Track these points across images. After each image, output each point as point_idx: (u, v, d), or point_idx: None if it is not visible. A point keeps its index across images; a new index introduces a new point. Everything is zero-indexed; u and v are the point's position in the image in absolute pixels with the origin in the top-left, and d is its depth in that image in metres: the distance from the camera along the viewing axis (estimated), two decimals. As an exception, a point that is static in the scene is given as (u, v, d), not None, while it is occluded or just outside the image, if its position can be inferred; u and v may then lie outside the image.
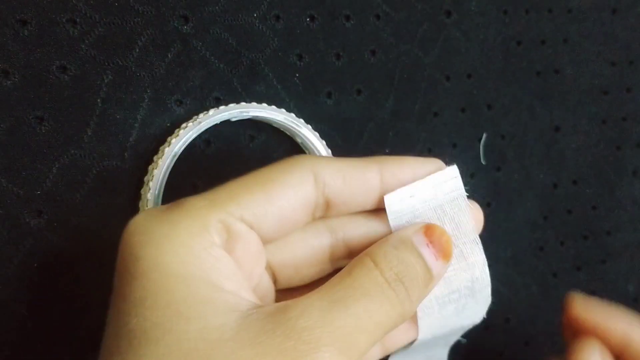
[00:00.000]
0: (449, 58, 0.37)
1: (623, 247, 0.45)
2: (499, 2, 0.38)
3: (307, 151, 0.33)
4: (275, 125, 0.32)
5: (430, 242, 0.23)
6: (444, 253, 0.23)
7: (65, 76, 0.28)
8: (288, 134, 0.32)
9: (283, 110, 0.31)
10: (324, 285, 0.22)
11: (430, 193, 0.24)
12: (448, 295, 0.25)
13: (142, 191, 0.29)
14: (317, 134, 0.32)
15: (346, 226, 0.25)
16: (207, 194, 0.22)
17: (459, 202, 0.25)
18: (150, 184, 0.29)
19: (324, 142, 0.32)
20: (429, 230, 0.24)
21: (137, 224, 0.21)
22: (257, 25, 0.32)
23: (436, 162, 0.25)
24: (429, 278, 0.23)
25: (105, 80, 0.29)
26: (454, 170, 0.25)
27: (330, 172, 0.23)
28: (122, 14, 0.29)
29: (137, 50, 0.29)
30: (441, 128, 0.37)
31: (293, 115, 0.32)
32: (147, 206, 0.29)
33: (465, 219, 0.25)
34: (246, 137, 0.32)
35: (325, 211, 0.24)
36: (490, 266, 0.26)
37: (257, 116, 0.31)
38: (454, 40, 0.37)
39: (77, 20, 0.28)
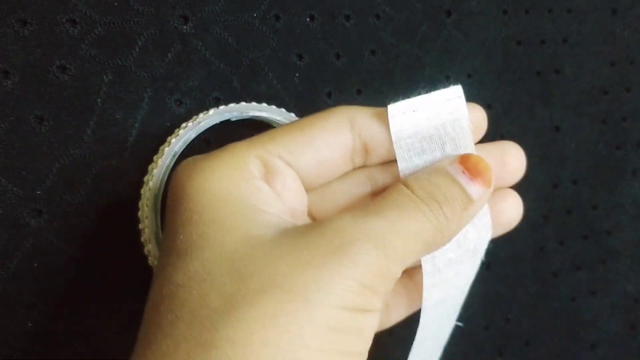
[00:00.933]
0: (449, 58, 0.37)
1: (623, 247, 0.45)
2: (499, 2, 0.38)
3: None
4: (275, 125, 0.32)
5: (466, 168, 0.24)
6: (482, 177, 0.24)
7: (65, 76, 0.28)
8: (288, 134, 0.32)
9: (283, 110, 0.31)
10: (358, 207, 0.23)
11: (434, 110, 0.24)
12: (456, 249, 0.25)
13: (142, 191, 0.29)
14: (317, 134, 0.32)
15: (386, 173, 0.25)
16: (249, 138, 0.24)
17: (461, 122, 0.24)
18: (150, 184, 0.29)
19: (324, 142, 0.32)
20: (463, 158, 0.24)
21: (184, 163, 0.23)
22: (257, 25, 0.32)
23: (448, 88, 0.25)
24: (467, 201, 0.23)
25: (105, 80, 0.29)
26: (457, 90, 0.24)
27: (366, 117, 0.24)
28: (122, 14, 0.29)
29: (137, 50, 0.29)
30: (441, 128, 0.37)
31: (293, 115, 0.32)
32: (147, 206, 0.29)
33: (466, 142, 0.25)
34: (246, 137, 0.32)
35: (364, 158, 0.25)
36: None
37: (257, 116, 0.31)
38: (454, 40, 0.37)
39: (77, 20, 0.28)
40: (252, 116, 0.31)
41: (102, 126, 0.29)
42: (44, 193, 0.28)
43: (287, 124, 0.24)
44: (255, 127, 0.32)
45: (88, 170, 0.29)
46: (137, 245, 0.30)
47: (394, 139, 0.24)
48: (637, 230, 0.45)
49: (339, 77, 0.34)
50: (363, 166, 0.25)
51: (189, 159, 0.23)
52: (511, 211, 0.27)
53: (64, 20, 0.28)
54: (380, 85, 0.35)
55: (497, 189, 0.26)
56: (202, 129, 0.30)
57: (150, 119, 0.30)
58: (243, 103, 0.31)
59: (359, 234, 0.21)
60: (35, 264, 0.28)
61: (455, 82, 0.37)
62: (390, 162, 0.25)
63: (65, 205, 0.28)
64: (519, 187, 0.27)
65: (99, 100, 0.29)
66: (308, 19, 0.33)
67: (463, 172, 0.23)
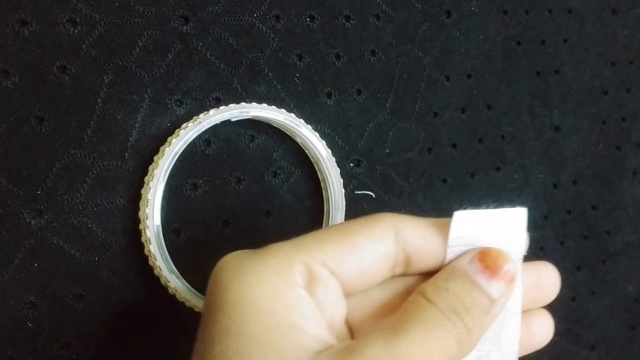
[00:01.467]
0: (449, 58, 0.37)
1: (623, 247, 0.45)
2: (499, 2, 0.38)
3: (307, 151, 0.33)
4: (275, 125, 0.32)
5: (486, 267, 0.23)
6: (502, 274, 0.23)
7: (65, 76, 0.28)
8: (288, 134, 0.32)
9: (283, 110, 0.31)
10: (383, 324, 0.22)
11: (494, 226, 0.24)
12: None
13: (142, 191, 0.29)
14: (317, 134, 0.32)
15: (423, 282, 0.25)
16: (293, 240, 0.23)
17: (516, 243, 0.24)
18: (151, 184, 0.29)
19: (324, 142, 0.32)
20: (483, 255, 0.24)
21: (227, 260, 0.23)
22: (257, 25, 0.32)
23: (515, 209, 0.25)
24: (489, 303, 0.23)
25: (105, 80, 0.29)
26: (522, 212, 0.24)
27: (412, 228, 0.24)
28: (122, 14, 0.29)
29: (137, 50, 0.29)
30: (441, 128, 0.37)
31: (293, 115, 0.32)
32: (147, 206, 0.29)
33: (518, 283, 0.24)
34: (246, 137, 0.32)
35: (405, 268, 0.25)
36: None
37: (257, 116, 0.31)
38: (454, 40, 0.37)
39: (77, 20, 0.28)
40: (252, 116, 0.31)
41: (102, 126, 0.29)
42: (44, 193, 0.28)
43: (332, 228, 0.24)
44: (255, 127, 0.32)
45: (88, 170, 0.29)
46: (137, 246, 0.30)
47: (449, 245, 0.24)
48: (637, 230, 0.45)
49: (339, 77, 0.34)
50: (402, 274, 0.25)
51: (234, 254, 0.23)
52: (543, 332, 0.27)
53: (64, 20, 0.28)
54: (380, 85, 0.35)
55: (530, 310, 0.26)
56: (202, 129, 0.30)
57: (151, 119, 0.30)
58: (243, 103, 0.31)
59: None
60: (35, 264, 0.28)
61: (455, 82, 0.37)
62: (429, 272, 0.25)
63: (65, 205, 0.28)
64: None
65: (99, 100, 0.29)
66: (308, 19, 0.33)
67: (482, 270, 0.23)
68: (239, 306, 0.21)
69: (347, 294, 0.24)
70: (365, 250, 0.23)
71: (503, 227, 0.24)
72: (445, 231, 0.24)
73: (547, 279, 0.26)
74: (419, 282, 0.25)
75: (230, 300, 0.21)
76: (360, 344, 0.21)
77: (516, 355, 0.25)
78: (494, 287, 0.23)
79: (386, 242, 0.24)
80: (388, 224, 0.24)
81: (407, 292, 0.25)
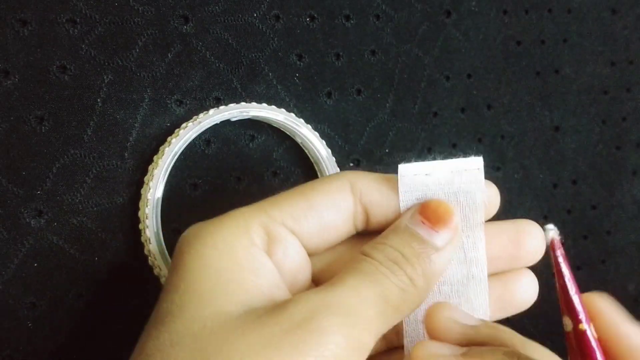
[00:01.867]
0: (449, 58, 0.37)
1: (623, 247, 0.45)
2: (499, 2, 0.38)
3: (307, 151, 0.33)
4: (275, 125, 0.32)
5: (426, 218, 0.23)
6: (443, 222, 0.23)
7: (65, 76, 0.28)
8: (288, 134, 0.32)
9: (283, 110, 0.31)
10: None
11: (448, 177, 0.24)
12: (438, 285, 0.24)
13: (142, 191, 0.29)
14: (317, 134, 0.32)
15: None
16: (253, 204, 0.24)
17: (475, 195, 0.24)
18: (150, 184, 0.29)
19: (324, 142, 0.32)
20: (423, 208, 0.24)
21: (190, 228, 0.24)
22: (257, 25, 0.32)
23: (469, 158, 0.25)
24: (431, 252, 0.23)
25: (105, 80, 0.29)
26: (477, 161, 0.24)
27: (367, 182, 0.24)
28: (122, 14, 0.29)
29: (137, 50, 0.29)
30: (441, 128, 0.37)
31: (293, 115, 0.32)
32: (147, 206, 0.29)
33: (476, 215, 0.24)
34: (246, 137, 0.32)
35: (365, 223, 0.25)
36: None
37: (257, 116, 0.31)
38: (454, 40, 0.37)
39: (77, 20, 0.28)
40: (252, 116, 0.31)
41: (102, 126, 0.29)
42: (44, 193, 0.28)
43: (291, 190, 0.24)
44: (255, 127, 0.32)
45: (88, 170, 0.29)
46: (137, 245, 0.30)
47: (401, 199, 0.24)
48: (637, 230, 0.45)
49: (339, 77, 0.34)
50: (365, 231, 0.25)
51: (198, 223, 0.24)
52: (525, 292, 0.26)
53: (64, 20, 0.28)
54: (380, 85, 0.35)
55: (512, 270, 0.26)
56: (202, 129, 0.30)
57: (150, 119, 0.30)
58: (243, 103, 0.31)
59: (321, 306, 0.20)
60: (35, 264, 0.28)
61: (455, 82, 0.37)
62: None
63: (65, 205, 0.28)
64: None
65: (99, 100, 0.29)
66: (308, 19, 0.33)
67: (422, 222, 0.23)
68: (191, 265, 0.22)
69: (312, 253, 0.24)
70: (322, 206, 0.24)
71: (458, 178, 0.24)
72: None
73: (527, 236, 0.25)
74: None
75: (186, 261, 0.22)
76: (295, 297, 0.21)
77: (486, 307, 0.25)
78: (437, 236, 0.23)
79: (342, 197, 0.24)
80: (344, 180, 0.24)
81: None
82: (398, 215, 0.24)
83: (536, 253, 0.26)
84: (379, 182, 0.25)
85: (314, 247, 0.24)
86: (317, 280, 0.25)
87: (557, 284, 0.24)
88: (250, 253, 0.22)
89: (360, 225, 0.25)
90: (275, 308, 0.21)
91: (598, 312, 0.24)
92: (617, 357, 0.24)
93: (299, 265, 0.24)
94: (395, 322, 0.23)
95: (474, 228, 0.24)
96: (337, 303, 0.21)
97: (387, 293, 0.22)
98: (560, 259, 0.24)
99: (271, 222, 0.23)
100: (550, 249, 0.25)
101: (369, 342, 0.21)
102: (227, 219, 0.23)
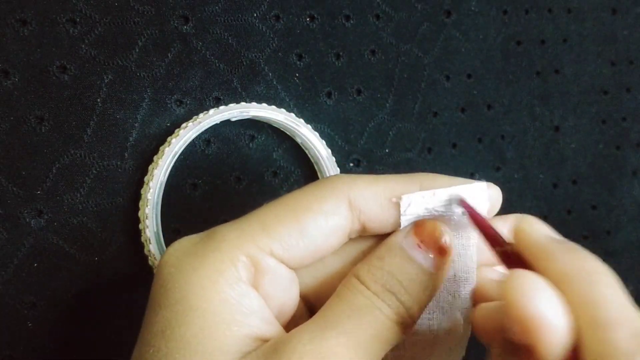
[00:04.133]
0: (449, 58, 0.37)
1: (623, 247, 0.45)
2: (499, 2, 0.38)
3: (307, 151, 0.33)
4: (275, 125, 0.32)
5: (422, 241, 0.22)
6: (439, 247, 0.22)
7: (65, 76, 0.28)
8: (288, 134, 0.32)
9: (283, 110, 0.31)
10: (317, 314, 0.22)
11: (448, 201, 0.23)
12: (413, 335, 0.24)
13: (142, 191, 0.29)
14: (317, 134, 0.32)
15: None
16: (239, 222, 0.22)
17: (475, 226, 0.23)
18: (150, 184, 0.29)
19: (324, 142, 0.32)
20: (418, 228, 0.23)
21: (170, 255, 0.22)
22: (257, 25, 0.32)
23: (473, 184, 0.24)
24: (427, 278, 0.22)
25: (105, 80, 0.29)
26: (481, 187, 0.23)
27: (366, 197, 0.23)
28: (122, 14, 0.29)
29: (137, 50, 0.29)
30: (441, 128, 0.37)
31: (293, 115, 0.32)
32: (147, 206, 0.29)
33: (470, 251, 0.23)
34: (246, 137, 0.32)
35: (360, 233, 0.24)
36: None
37: (257, 116, 0.31)
38: (454, 40, 0.37)
39: (77, 20, 0.28)
40: (252, 116, 0.31)
41: (102, 126, 0.29)
42: (44, 193, 0.28)
43: (280, 204, 0.22)
44: (255, 127, 0.32)
45: (88, 170, 0.29)
46: (137, 245, 0.30)
47: (402, 221, 0.23)
48: (637, 230, 0.45)
49: (339, 77, 0.34)
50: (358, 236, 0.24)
51: (175, 247, 0.22)
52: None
53: (64, 20, 0.28)
54: (380, 85, 0.35)
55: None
56: (202, 129, 0.30)
57: (150, 119, 0.30)
58: (243, 103, 0.31)
59: (315, 357, 0.19)
60: (35, 264, 0.28)
61: (455, 82, 0.37)
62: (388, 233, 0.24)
63: (65, 205, 0.28)
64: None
65: (99, 100, 0.29)
66: (308, 19, 0.33)
67: (419, 245, 0.22)
68: (176, 307, 0.21)
69: (302, 266, 0.23)
70: (316, 230, 0.22)
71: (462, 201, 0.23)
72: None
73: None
74: (377, 243, 0.24)
75: (170, 299, 0.21)
76: (287, 340, 0.20)
77: (468, 322, 0.24)
78: (432, 260, 0.22)
79: (339, 217, 0.22)
80: (340, 194, 0.22)
81: (364, 254, 0.24)
82: (394, 226, 0.23)
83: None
84: (380, 197, 0.23)
85: (303, 265, 0.23)
86: (306, 295, 0.24)
87: (476, 225, 0.23)
88: (236, 290, 0.21)
89: (354, 236, 0.24)
90: (265, 355, 0.20)
91: (522, 234, 0.22)
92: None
93: (287, 293, 0.23)
94: (389, 349, 0.22)
95: (466, 248, 0.24)
96: (331, 354, 0.20)
97: (383, 329, 0.21)
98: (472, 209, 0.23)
99: (259, 252, 0.22)
100: (462, 205, 0.24)
101: None
102: (210, 250, 0.21)
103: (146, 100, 0.30)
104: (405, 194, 0.23)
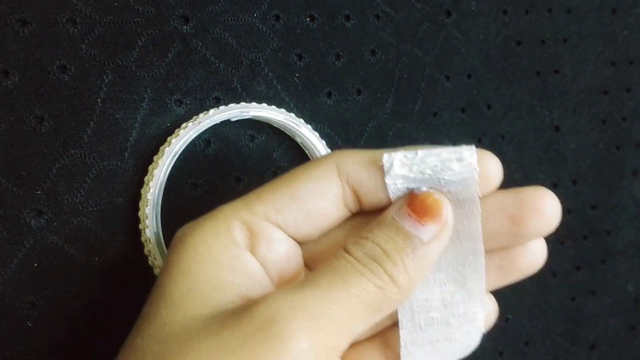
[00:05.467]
0: (449, 58, 0.37)
1: (623, 247, 0.45)
2: (499, 2, 0.38)
3: (307, 151, 0.33)
4: (275, 125, 0.32)
5: (413, 210, 0.22)
6: (430, 215, 0.22)
7: (65, 76, 0.28)
8: (288, 134, 0.32)
9: (283, 110, 0.31)
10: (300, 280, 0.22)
11: (438, 166, 0.22)
12: (434, 274, 0.23)
13: (142, 191, 0.29)
14: (317, 134, 0.32)
15: None
16: (238, 199, 0.23)
17: (468, 185, 0.22)
18: (151, 184, 0.29)
19: (324, 142, 0.32)
20: (410, 199, 0.22)
21: (177, 234, 0.23)
22: (257, 25, 0.32)
23: (460, 147, 0.23)
24: (417, 246, 0.22)
25: (105, 80, 0.29)
26: (470, 150, 0.22)
27: (354, 164, 0.23)
28: (122, 14, 0.29)
29: (137, 50, 0.29)
30: (441, 128, 0.37)
31: (293, 115, 0.32)
32: (147, 206, 0.29)
33: (471, 205, 0.23)
34: (246, 137, 0.32)
35: (357, 204, 0.24)
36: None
37: (257, 116, 0.31)
38: (454, 40, 0.37)
39: (77, 20, 0.28)
40: (252, 116, 0.31)
41: (102, 126, 0.29)
42: (44, 193, 0.28)
43: (275, 180, 0.23)
44: (255, 127, 0.32)
45: (88, 170, 0.29)
46: (137, 245, 0.30)
47: (389, 190, 0.23)
48: (637, 230, 0.45)
49: (339, 77, 0.34)
50: (361, 212, 0.24)
51: (188, 223, 0.23)
52: (532, 255, 0.24)
53: (64, 20, 0.28)
54: (380, 85, 0.35)
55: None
56: (202, 129, 0.30)
57: (150, 119, 0.30)
58: (243, 103, 0.31)
59: (286, 309, 0.19)
60: (35, 264, 0.28)
61: (455, 82, 0.37)
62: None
63: (65, 205, 0.28)
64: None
65: (99, 100, 0.29)
66: (308, 19, 0.33)
67: (409, 214, 0.22)
68: (171, 270, 0.22)
69: (304, 241, 0.24)
70: (307, 194, 0.23)
71: (450, 167, 0.22)
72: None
73: (531, 213, 0.23)
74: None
75: (168, 266, 0.22)
76: (262, 298, 0.20)
77: (483, 294, 0.24)
78: (423, 230, 0.22)
79: (328, 182, 0.23)
80: (330, 163, 0.23)
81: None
82: (389, 200, 0.23)
83: (545, 229, 0.24)
84: (367, 163, 0.23)
85: (304, 236, 0.23)
86: (313, 269, 0.24)
87: None
88: (230, 252, 0.22)
89: (354, 208, 0.24)
90: (242, 310, 0.20)
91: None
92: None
93: (286, 258, 0.23)
94: (377, 319, 0.22)
95: (470, 217, 0.23)
96: (302, 305, 0.20)
97: (363, 293, 0.21)
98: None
99: (253, 217, 0.22)
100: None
101: (340, 344, 0.21)
102: (208, 220, 0.23)
103: (146, 100, 0.30)
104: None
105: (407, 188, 0.23)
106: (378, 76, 0.35)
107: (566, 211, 0.43)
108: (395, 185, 0.23)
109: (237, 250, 0.22)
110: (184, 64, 0.30)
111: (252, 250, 0.22)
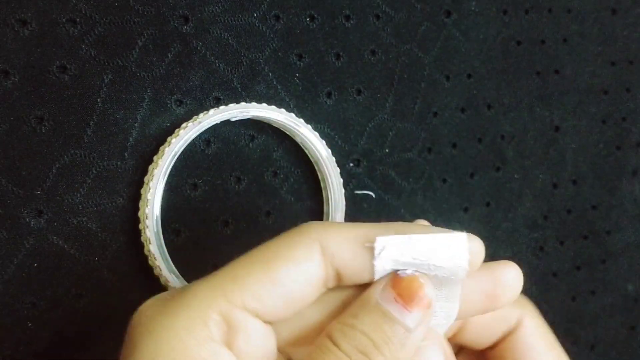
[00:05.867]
0: (449, 58, 0.37)
1: (623, 247, 0.45)
2: (499, 2, 0.38)
3: (307, 151, 0.33)
4: (275, 125, 0.32)
5: (399, 294, 0.21)
6: (416, 299, 0.21)
7: (65, 76, 0.28)
8: (288, 134, 0.32)
9: (283, 110, 0.31)
10: None
11: (427, 252, 0.22)
12: None
13: (142, 191, 0.29)
14: (317, 134, 0.32)
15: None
16: (211, 277, 0.22)
17: (455, 272, 0.22)
18: (150, 184, 0.29)
19: (324, 142, 0.32)
20: (395, 280, 0.22)
21: (141, 314, 0.22)
22: (257, 25, 0.32)
23: (453, 234, 0.22)
24: (404, 335, 0.21)
25: (105, 80, 0.29)
26: (461, 238, 0.22)
27: (339, 243, 0.22)
28: (122, 14, 0.29)
29: (137, 50, 0.29)
30: (441, 128, 0.37)
31: (293, 115, 0.32)
32: (147, 206, 0.29)
33: (454, 290, 0.22)
34: (246, 137, 0.32)
35: (338, 281, 0.23)
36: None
37: (257, 116, 0.31)
38: (454, 40, 0.37)
39: (77, 20, 0.28)
40: (252, 116, 0.31)
41: (102, 126, 0.29)
42: (44, 193, 0.28)
43: (252, 256, 0.22)
44: (255, 127, 0.32)
45: (88, 170, 0.29)
46: (137, 245, 0.30)
47: (375, 276, 0.22)
48: (637, 230, 0.45)
49: (339, 77, 0.34)
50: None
51: (148, 304, 0.22)
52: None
53: (64, 20, 0.28)
54: (380, 85, 0.35)
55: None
56: (202, 129, 0.30)
57: (150, 119, 0.30)
58: (243, 103, 0.31)
59: None
60: (35, 264, 0.28)
61: (455, 82, 0.37)
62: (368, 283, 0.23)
63: (65, 205, 0.28)
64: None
65: (99, 100, 0.29)
66: (308, 19, 0.33)
67: (395, 299, 0.21)
68: None
69: (280, 320, 0.22)
70: (288, 278, 0.21)
71: (441, 253, 0.22)
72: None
73: (504, 290, 0.23)
74: (357, 294, 0.23)
75: (137, 356, 0.20)
76: None
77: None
78: (410, 316, 0.21)
79: (311, 264, 0.21)
80: (312, 241, 0.22)
81: (344, 306, 0.23)
82: (372, 279, 0.22)
83: (513, 299, 0.24)
84: (353, 243, 0.22)
85: (280, 317, 0.22)
86: (285, 351, 0.23)
87: None
88: (207, 349, 0.20)
89: (332, 285, 0.23)
90: None
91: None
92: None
93: (262, 349, 0.22)
94: None
95: (450, 299, 0.23)
96: None
97: None
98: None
99: (231, 307, 0.21)
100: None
101: None
102: (181, 308, 0.21)
103: (146, 100, 0.30)
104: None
105: (392, 269, 0.22)
106: (378, 76, 0.35)
107: (566, 211, 0.43)
108: (383, 267, 0.22)
109: (214, 346, 0.21)
110: (183, 64, 0.30)
111: (229, 344, 0.21)
